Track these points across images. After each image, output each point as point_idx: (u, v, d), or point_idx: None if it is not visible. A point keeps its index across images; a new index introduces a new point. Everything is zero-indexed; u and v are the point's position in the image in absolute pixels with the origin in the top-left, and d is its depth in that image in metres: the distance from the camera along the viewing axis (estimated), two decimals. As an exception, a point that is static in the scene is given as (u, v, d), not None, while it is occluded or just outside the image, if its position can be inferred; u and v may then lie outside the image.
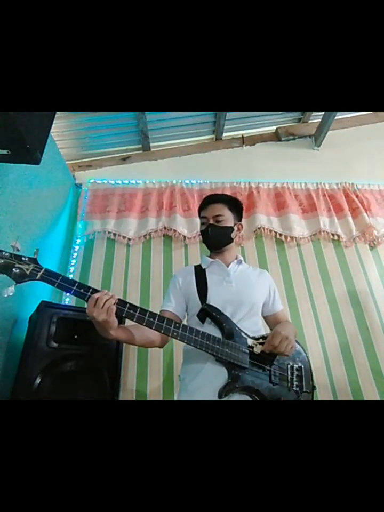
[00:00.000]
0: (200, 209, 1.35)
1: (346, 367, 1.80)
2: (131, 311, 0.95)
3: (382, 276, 2.08)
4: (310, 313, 1.95)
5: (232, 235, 1.29)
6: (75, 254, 2.11)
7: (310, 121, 2.77)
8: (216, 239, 1.28)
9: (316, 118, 2.69)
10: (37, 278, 0.91)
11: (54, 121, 1.16)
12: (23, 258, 0.92)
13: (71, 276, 2.01)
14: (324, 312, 1.96)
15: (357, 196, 2.33)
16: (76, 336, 1.44)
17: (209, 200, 1.33)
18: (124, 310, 0.94)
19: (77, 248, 2.13)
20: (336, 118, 2.50)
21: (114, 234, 2.16)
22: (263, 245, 2.18)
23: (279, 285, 2.03)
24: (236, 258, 1.31)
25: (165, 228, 2.16)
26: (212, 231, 1.26)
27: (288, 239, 2.16)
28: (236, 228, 1.31)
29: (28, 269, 0.90)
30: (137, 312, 0.96)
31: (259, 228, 2.16)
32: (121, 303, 0.95)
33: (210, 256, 1.32)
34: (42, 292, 1.71)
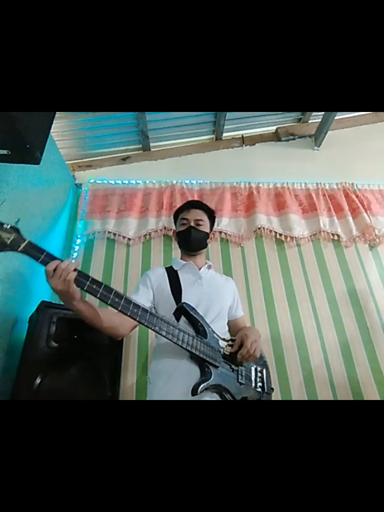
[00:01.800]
0: (179, 211, 1.42)
1: (346, 367, 1.80)
2: (105, 293, 0.92)
3: (382, 276, 2.08)
4: (310, 313, 1.94)
5: (207, 241, 1.38)
6: (75, 254, 2.11)
7: (310, 121, 2.76)
8: (196, 241, 1.34)
9: (316, 118, 2.69)
10: (20, 249, 0.83)
11: (54, 121, 1.16)
12: (4, 226, 0.82)
13: (71, 276, 2.01)
14: (324, 312, 1.95)
15: (357, 196, 2.32)
16: (75, 336, 1.44)
17: (191, 205, 1.42)
18: (99, 290, 0.91)
19: (77, 248, 2.13)
20: (336, 118, 2.50)
21: (114, 234, 2.15)
22: (263, 245, 2.18)
23: (279, 285, 2.04)
24: (206, 263, 1.37)
25: (165, 228, 2.16)
26: (194, 233, 1.32)
27: (288, 239, 2.16)
28: (210, 236, 1.40)
29: (9, 238, 0.81)
30: (114, 296, 0.93)
31: (259, 228, 2.16)
32: (96, 283, 0.91)
33: (182, 259, 1.36)
34: (42, 291, 1.71)
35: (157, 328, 0.99)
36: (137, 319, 0.96)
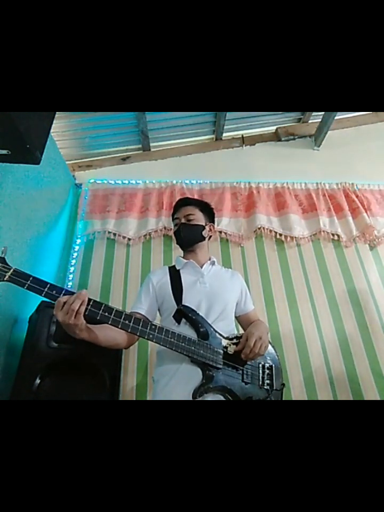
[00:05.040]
0: (173, 213, 1.40)
1: (346, 367, 1.80)
2: (106, 314, 0.94)
3: (382, 276, 2.08)
4: (310, 313, 1.95)
5: (204, 233, 1.34)
6: (75, 254, 2.11)
7: (310, 121, 2.77)
8: (187, 237, 1.32)
9: (316, 118, 2.69)
10: (5, 279, 0.86)
11: (54, 121, 1.16)
12: None
13: (71, 276, 2.01)
14: (324, 312, 1.95)
15: (357, 196, 2.32)
16: (76, 336, 1.44)
17: (181, 203, 1.40)
18: (98, 312, 0.92)
19: (77, 248, 2.13)
20: (336, 118, 2.50)
21: (114, 234, 2.16)
22: (263, 245, 2.18)
23: (279, 285, 2.04)
24: (209, 259, 1.35)
25: (165, 228, 2.16)
26: (183, 229, 1.31)
27: (288, 239, 2.16)
28: (207, 228, 1.36)
29: None
30: (112, 314, 0.95)
31: (259, 228, 2.16)
32: (96, 305, 0.93)
33: (184, 257, 1.35)
34: (42, 292, 1.71)
35: (150, 336, 1.00)
36: (129, 330, 0.97)
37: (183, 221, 1.32)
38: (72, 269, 2.05)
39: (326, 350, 1.84)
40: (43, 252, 1.82)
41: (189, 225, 1.31)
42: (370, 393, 1.73)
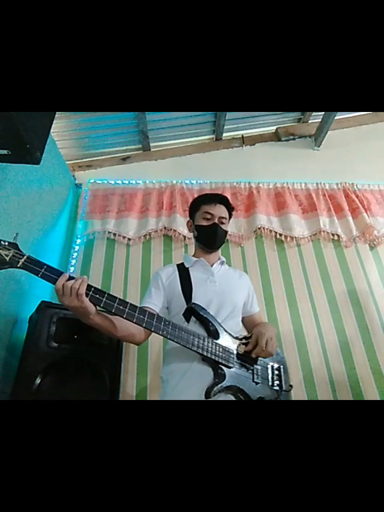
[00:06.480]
0: (202, 202, 1.32)
1: (346, 367, 1.80)
2: (121, 307, 0.93)
3: (382, 276, 2.08)
4: (310, 313, 1.94)
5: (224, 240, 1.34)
6: (75, 254, 2.11)
7: (310, 121, 2.77)
8: (220, 240, 1.30)
9: (316, 118, 2.69)
10: (18, 265, 0.84)
11: (54, 121, 1.16)
12: (2, 243, 0.83)
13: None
14: (324, 312, 1.95)
15: (357, 196, 2.32)
16: (75, 336, 1.44)
17: (218, 199, 1.32)
18: (114, 305, 0.92)
19: (77, 248, 2.13)
20: (336, 118, 2.50)
21: (114, 234, 2.16)
22: (263, 245, 2.18)
23: (279, 285, 2.04)
24: (219, 259, 1.33)
25: (165, 228, 2.16)
26: (219, 231, 1.27)
27: (288, 239, 2.16)
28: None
29: (7, 255, 0.83)
30: (127, 308, 0.94)
31: (259, 228, 2.16)
32: (111, 298, 0.92)
33: (195, 255, 1.32)
34: (42, 291, 1.71)
35: (164, 332, 0.98)
36: (144, 325, 0.96)
37: (216, 221, 1.27)
38: (72, 269, 2.05)
39: (325, 350, 1.84)
40: (43, 252, 1.82)
41: (223, 230, 1.29)
42: (370, 393, 1.72)
